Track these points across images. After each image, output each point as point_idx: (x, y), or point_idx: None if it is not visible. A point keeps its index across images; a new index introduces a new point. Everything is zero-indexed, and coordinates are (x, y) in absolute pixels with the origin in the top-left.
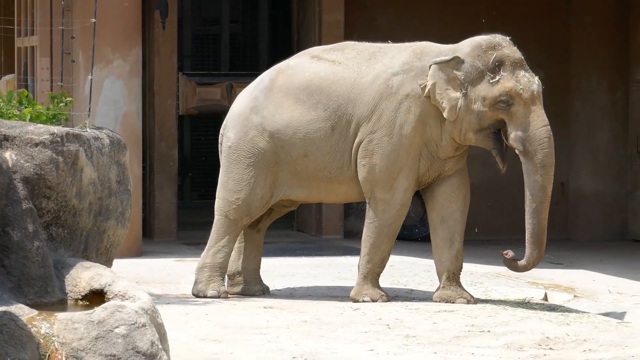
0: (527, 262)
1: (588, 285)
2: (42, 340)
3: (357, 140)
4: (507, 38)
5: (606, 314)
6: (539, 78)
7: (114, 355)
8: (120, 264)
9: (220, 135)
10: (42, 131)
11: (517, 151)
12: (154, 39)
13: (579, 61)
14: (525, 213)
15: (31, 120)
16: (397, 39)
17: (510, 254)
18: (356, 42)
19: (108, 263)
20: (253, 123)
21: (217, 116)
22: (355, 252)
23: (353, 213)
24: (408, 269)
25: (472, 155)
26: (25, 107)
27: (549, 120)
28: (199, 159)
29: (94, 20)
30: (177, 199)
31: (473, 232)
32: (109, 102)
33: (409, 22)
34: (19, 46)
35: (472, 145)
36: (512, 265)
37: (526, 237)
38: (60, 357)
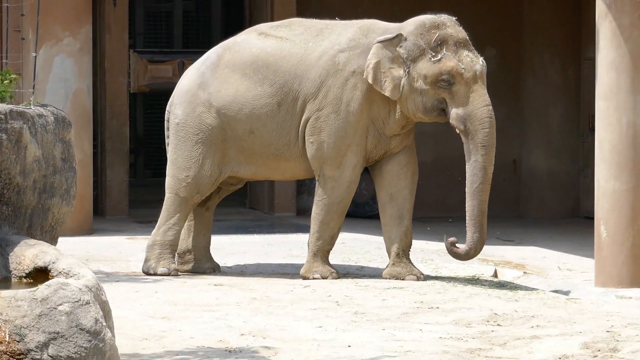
0: (469, 247)
1: (538, 262)
2: None
3: (304, 118)
4: (453, 18)
5: (555, 291)
6: (492, 56)
7: (58, 333)
8: (71, 242)
9: (167, 112)
10: None
11: (457, 130)
12: (104, 16)
13: (531, 39)
14: (466, 194)
15: None
16: (349, 17)
17: (452, 239)
18: (303, 19)
19: (53, 241)
20: (200, 99)
21: (169, 94)
22: (307, 229)
23: (306, 190)
24: (359, 246)
25: (424, 132)
26: None
27: (501, 98)
28: (151, 136)
29: None
30: (130, 176)
31: (424, 210)
32: (59, 79)
33: (361, 1)
34: None
35: (426, 122)
36: (454, 252)
37: (467, 220)
38: (3, 334)
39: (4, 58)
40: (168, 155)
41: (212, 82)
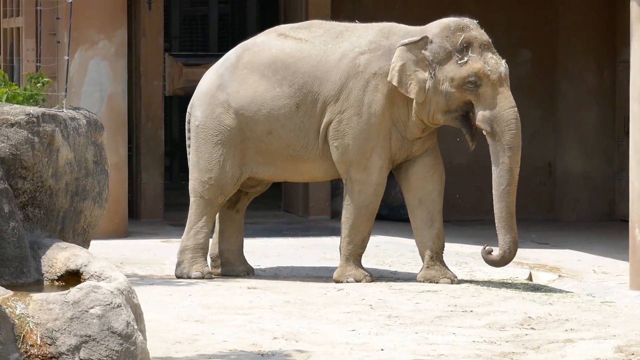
0: (503, 250)
1: (573, 265)
2: (17, 321)
3: (325, 120)
4: (475, 21)
5: (590, 294)
6: (527, 58)
7: (89, 336)
8: (105, 245)
9: (187, 114)
10: (17, 111)
11: (484, 132)
12: (139, 19)
13: (566, 41)
14: (494, 197)
15: (7, 100)
16: (383, 20)
17: (488, 248)
18: (323, 21)
19: (85, 244)
20: (219, 100)
21: None
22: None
23: (340, 193)
24: (393, 250)
25: (460, 134)
26: (2, 88)
27: (536, 101)
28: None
29: (70, 0)
30: (165, 179)
31: (460, 213)
32: (94, 83)
33: (395, 4)
34: (5, 27)
35: (441, 124)
36: (490, 260)
37: (496, 223)
38: (35, 337)
39: (37, 61)
40: (190, 159)
41: (230, 83)
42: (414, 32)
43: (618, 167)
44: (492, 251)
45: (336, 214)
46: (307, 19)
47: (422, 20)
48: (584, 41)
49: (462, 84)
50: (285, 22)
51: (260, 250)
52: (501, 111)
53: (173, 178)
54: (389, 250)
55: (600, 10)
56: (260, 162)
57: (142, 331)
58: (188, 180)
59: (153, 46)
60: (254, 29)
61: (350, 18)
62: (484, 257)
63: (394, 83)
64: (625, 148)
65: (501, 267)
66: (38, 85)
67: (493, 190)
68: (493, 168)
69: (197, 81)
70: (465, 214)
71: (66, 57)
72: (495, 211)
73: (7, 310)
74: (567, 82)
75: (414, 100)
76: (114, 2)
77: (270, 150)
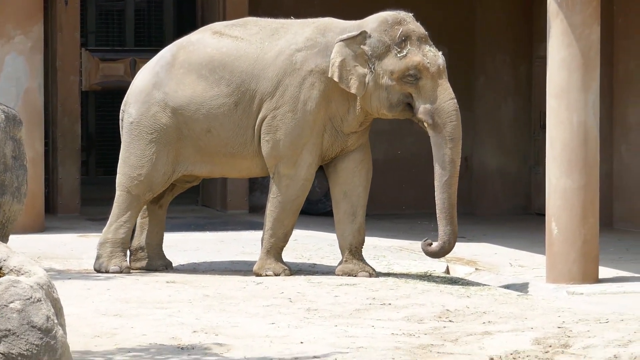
0: (443, 241)
1: (490, 258)
2: None
3: (260, 116)
4: (410, 14)
5: (507, 287)
6: (443, 54)
7: (9, 330)
8: (22, 240)
9: (121, 112)
10: None
11: (425, 124)
12: (56, 14)
13: (482, 37)
14: (435, 188)
15: None
16: (302, 16)
17: (428, 241)
18: (258, 18)
19: (4, 238)
20: (155, 99)
21: (121, 92)
22: (260, 226)
23: (258, 188)
24: (312, 244)
25: (379, 130)
26: None
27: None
28: (103, 134)
29: None
30: (82, 174)
31: (379, 207)
32: (10, 78)
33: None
34: None
35: (389, 118)
36: (430, 251)
37: (437, 214)
38: None
39: None
40: (120, 154)
41: (167, 82)
42: (350, 27)
43: (534, 161)
44: (431, 244)
45: (254, 209)
46: (224, 15)
47: (343, 17)
48: (500, 37)
49: (402, 76)
50: (202, 16)
51: (178, 245)
52: (442, 103)
53: (90, 173)
54: (308, 244)
55: (517, 6)
56: (198, 159)
57: (62, 325)
58: (104, 174)
59: (69, 41)
60: (170, 24)
61: (268, 14)
62: (423, 249)
63: (335, 79)
64: (540, 143)
65: (437, 258)
66: None
67: (435, 182)
68: (434, 160)
69: (114, 76)
70: (384, 208)
71: None
72: (437, 202)
73: None
74: (483, 78)
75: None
76: None
77: (208, 148)
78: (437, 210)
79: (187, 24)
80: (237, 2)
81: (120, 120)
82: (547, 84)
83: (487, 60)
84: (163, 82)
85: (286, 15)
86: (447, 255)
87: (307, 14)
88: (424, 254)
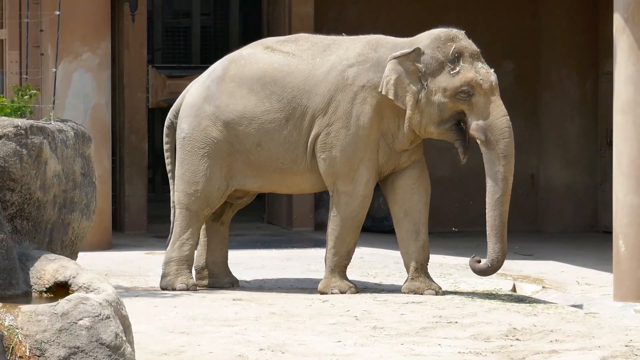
0: (492, 259)
1: (557, 276)
2: (5, 333)
3: (313, 133)
4: (462, 31)
5: (574, 305)
6: (509, 69)
7: (78, 347)
8: (90, 257)
9: (165, 128)
10: (5, 124)
11: (478, 141)
12: (123, 31)
13: (548, 53)
14: (487, 205)
15: None
16: (367, 32)
17: (475, 258)
18: (310, 34)
19: (73, 255)
20: (206, 113)
21: None
22: (325, 244)
23: (324, 205)
24: (378, 261)
25: (442, 147)
26: None
27: (518, 112)
28: None
29: (58, 12)
30: (148, 192)
31: (443, 224)
32: (78, 95)
33: (378, 15)
34: None
35: (434, 138)
36: (477, 268)
37: (487, 231)
38: (24, 349)
39: (23, 74)
40: (176, 171)
41: (218, 96)
42: (402, 44)
43: (601, 178)
44: (480, 260)
45: (320, 226)
46: (290, 30)
47: (406, 32)
48: (566, 52)
49: (454, 94)
50: (269, 33)
51: (244, 262)
52: (494, 120)
53: (156, 190)
54: (373, 261)
55: (583, 21)
56: (248, 174)
57: (131, 343)
58: (170, 191)
59: (136, 58)
60: (236, 41)
61: (334, 29)
62: (471, 266)
63: (390, 96)
64: (607, 159)
65: (487, 277)
66: (25, 97)
67: (487, 199)
68: (487, 177)
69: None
70: (448, 225)
71: (53, 69)
72: (488, 219)
73: None
74: (549, 94)
75: (406, 112)
76: (97, 14)
77: (258, 162)
78: (487, 228)
79: (252, 40)
80: (302, 18)
81: (164, 137)
82: (614, 99)
83: (552, 75)
84: (214, 95)
85: (351, 31)
86: (513, 273)
87: (371, 29)
88: (473, 272)
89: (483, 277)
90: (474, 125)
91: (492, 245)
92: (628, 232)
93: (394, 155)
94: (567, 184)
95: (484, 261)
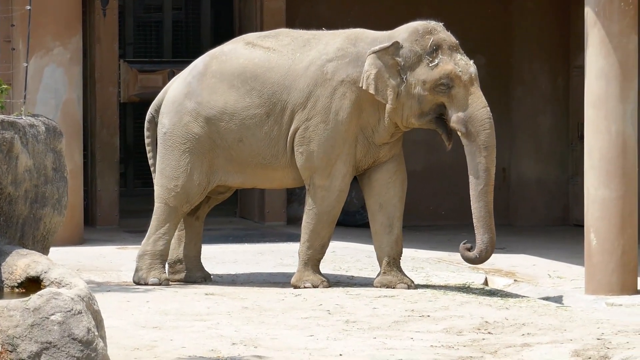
0: (481, 249)
1: (528, 269)
2: None
3: (292, 128)
4: (441, 23)
5: (546, 298)
6: (481, 64)
7: (50, 342)
8: (61, 252)
9: (146, 122)
10: None
11: (459, 133)
12: (94, 26)
13: (520, 47)
14: (471, 197)
15: None
16: (339, 27)
17: (467, 245)
18: (290, 29)
19: (45, 250)
20: (187, 109)
21: None
22: (298, 238)
23: (296, 200)
24: (350, 255)
25: (416, 140)
26: None
27: (490, 106)
28: (141, 146)
29: (29, 7)
30: (120, 186)
31: (414, 218)
32: (49, 89)
33: (350, 9)
34: None
35: (415, 128)
36: (467, 257)
37: (474, 223)
38: None
39: None
40: (157, 165)
41: (199, 92)
42: (381, 37)
43: (572, 172)
44: (470, 248)
45: (292, 220)
46: (262, 25)
47: (379, 26)
48: (538, 47)
49: (434, 86)
50: (240, 28)
51: (217, 257)
52: (475, 111)
53: (128, 185)
54: (346, 255)
55: (555, 15)
56: (230, 170)
57: (103, 337)
58: (142, 186)
59: (108, 53)
60: (208, 36)
61: (306, 24)
62: (461, 252)
63: (371, 91)
64: (579, 153)
65: (456, 267)
66: None
67: (470, 191)
68: (469, 169)
69: (152, 87)
70: (421, 220)
71: (25, 64)
72: (473, 211)
73: None
74: (521, 88)
75: (386, 106)
76: (68, 9)
77: (240, 158)
78: (474, 219)
79: (224, 36)
80: (274, 12)
81: (145, 131)
82: (585, 93)
83: (524, 70)
84: (195, 91)
85: (323, 25)
86: (485, 267)
87: (343, 24)
88: (461, 258)
89: (473, 265)
90: (454, 118)
91: (480, 236)
92: (599, 226)
93: (373, 148)
94: (539, 178)
95: (473, 251)
